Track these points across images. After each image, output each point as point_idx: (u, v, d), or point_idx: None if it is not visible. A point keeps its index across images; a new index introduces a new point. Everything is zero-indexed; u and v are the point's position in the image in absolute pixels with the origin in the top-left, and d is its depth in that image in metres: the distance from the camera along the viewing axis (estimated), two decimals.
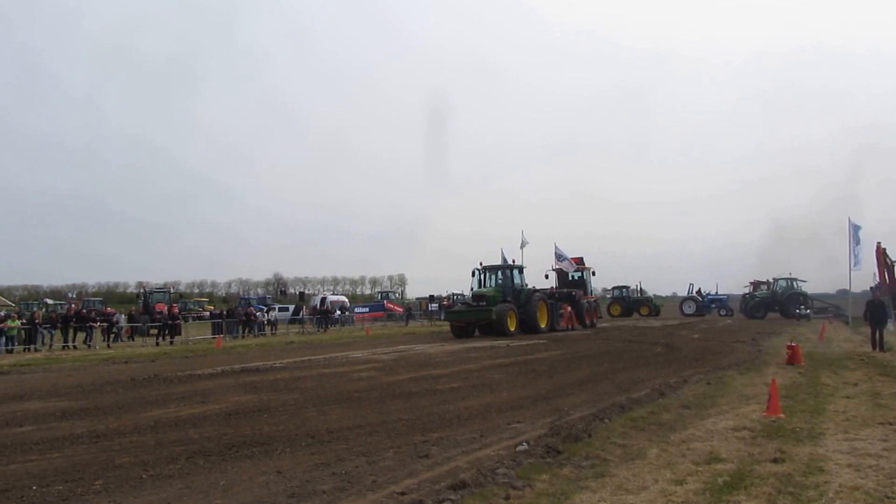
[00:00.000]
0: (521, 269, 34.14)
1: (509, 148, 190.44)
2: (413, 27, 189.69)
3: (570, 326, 35.09)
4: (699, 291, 58.21)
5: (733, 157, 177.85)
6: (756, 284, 53.03)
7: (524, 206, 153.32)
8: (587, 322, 37.53)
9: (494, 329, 30.16)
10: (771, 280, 52.36)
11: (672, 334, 28.88)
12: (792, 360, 15.62)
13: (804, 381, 12.65)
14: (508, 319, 30.52)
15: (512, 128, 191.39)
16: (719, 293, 59.19)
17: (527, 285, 34.14)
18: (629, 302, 57.45)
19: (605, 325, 41.33)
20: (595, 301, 41.82)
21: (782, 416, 8.88)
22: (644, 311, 56.20)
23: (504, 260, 35.03)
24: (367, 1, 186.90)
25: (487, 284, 33.41)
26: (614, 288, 60.55)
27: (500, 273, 33.79)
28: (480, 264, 33.80)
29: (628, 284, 59.53)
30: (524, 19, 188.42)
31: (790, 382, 12.33)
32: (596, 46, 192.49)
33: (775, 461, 6.57)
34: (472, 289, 33.61)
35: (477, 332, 31.35)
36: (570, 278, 41.25)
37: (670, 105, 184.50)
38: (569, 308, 35.55)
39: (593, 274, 42.55)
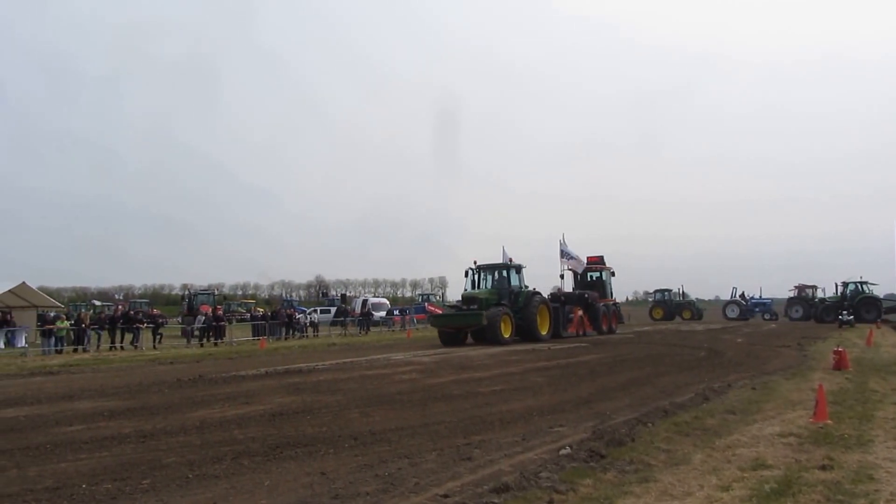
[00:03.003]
0: (518, 269, 30.73)
1: (543, 149, 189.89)
2: (436, 25, 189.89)
3: (579, 332, 32.11)
4: (742, 295, 57.35)
5: (779, 160, 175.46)
6: (801, 288, 52.09)
7: (563, 208, 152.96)
8: (604, 328, 34.30)
9: (486, 336, 27.34)
10: (814, 285, 51.52)
11: (715, 338, 28.48)
12: (839, 365, 15.25)
13: (852, 387, 12.36)
14: (502, 325, 27.36)
15: (545, 128, 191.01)
16: (763, 297, 58.22)
17: (526, 287, 30.51)
18: (671, 305, 56.95)
19: (647, 328, 40.89)
20: (614, 304, 38.52)
21: (830, 422, 8.70)
22: (686, 314, 55.62)
23: (505, 259, 31.65)
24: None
25: (482, 286, 30.37)
26: (656, 291, 60.13)
27: (496, 273, 30.59)
28: (474, 263, 30.81)
29: (670, 288, 59.02)
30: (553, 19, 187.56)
31: (837, 388, 12.06)
32: (630, 46, 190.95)
33: (823, 468, 6.44)
34: (465, 290, 30.41)
35: (471, 340, 28.59)
36: (589, 279, 37.89)
37: (708, 105, 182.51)
38: (579, 312, 32.56)
39: (612, 274, 38.77)
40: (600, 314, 34.27)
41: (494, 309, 27.71)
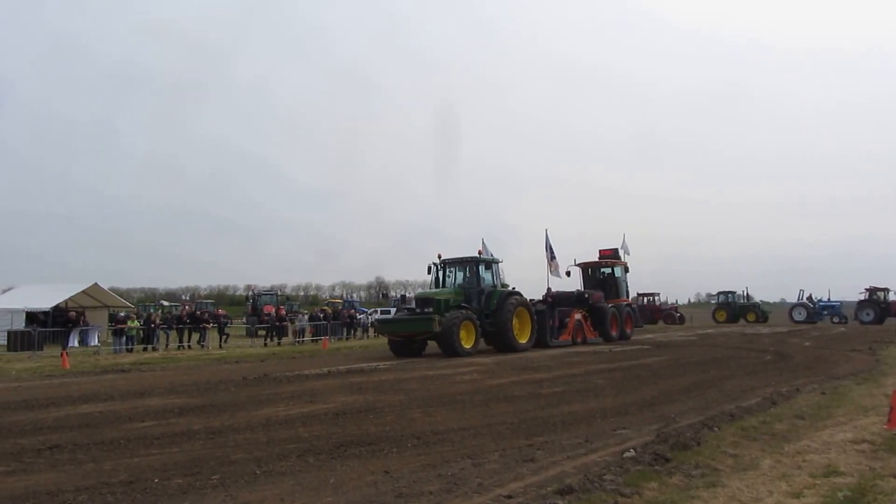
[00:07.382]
0: (490, 264, 25.31)
1: (604, 145, 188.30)
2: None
3: (576, 340, 27.26)
4: (810, 297, 55.66)
5: (848, 158, 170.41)
6: (872, 290, 50.40)
7: (622, 206, 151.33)
8: (613, 333, 29.23)
9: (444, 345, 22.25)
10: (886, 287, 49.81)
11: (782, 341, 27.69)
12: None
13: None
14: (462, 332, 22.22)
15: (604, 123, 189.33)
16: (832, 299, 56.43)
17: (503, 285, 25.09)
18: (735, 308, 55.68)
19: (710, 330, 40.04)
20: (628, 305, 33.40)
21: None
22: (751, 317, 54.31)
23: (487, 254, 26.27)
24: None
25: (447, 284, 24.97)
26: (720, 293, 58.86)
27: (466, 270, 25.07)
28: (439, 257, 25.24)
29: (734, 290, 57.75)
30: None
31: None
32: (701, 43, 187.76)
33: None
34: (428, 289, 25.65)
35: (437, 350, 23.20)
36: (600, 275, 33.50)
37: (772, 102, 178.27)
38: (576, 316, 27.53)
39: (627, 270, 34.00)
40: (608, 317, 29.26)
41: (453, 313, 22.57)
